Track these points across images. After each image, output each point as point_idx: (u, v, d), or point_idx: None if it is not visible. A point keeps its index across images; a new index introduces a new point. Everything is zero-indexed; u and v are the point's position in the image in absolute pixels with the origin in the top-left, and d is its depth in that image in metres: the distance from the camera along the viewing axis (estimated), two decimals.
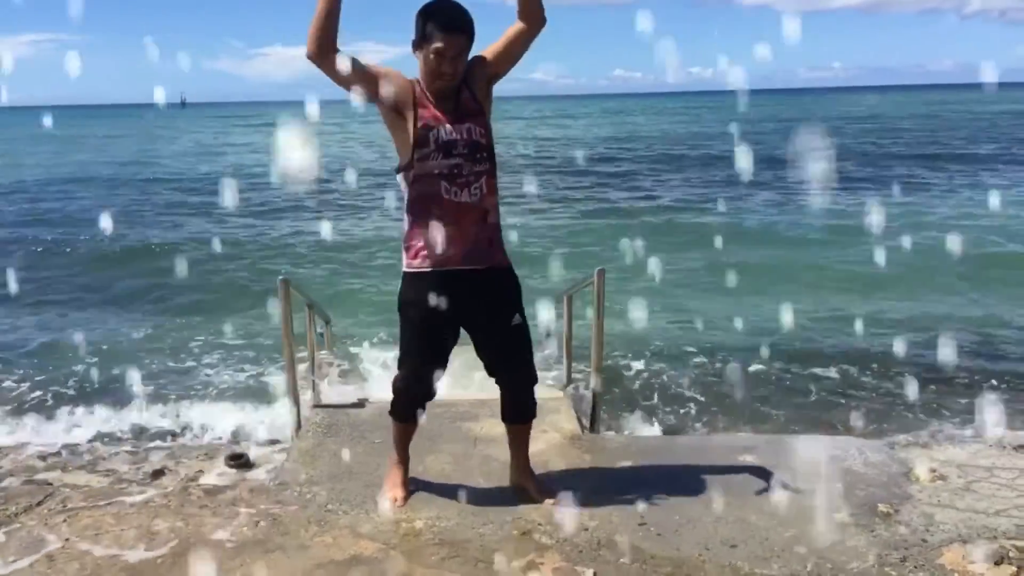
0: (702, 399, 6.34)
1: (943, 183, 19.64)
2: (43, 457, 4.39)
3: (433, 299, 2.92)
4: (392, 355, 7.14)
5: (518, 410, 3.27)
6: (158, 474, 3.98)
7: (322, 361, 5.23)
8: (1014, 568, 2.82)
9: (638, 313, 8.40)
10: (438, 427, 4.10)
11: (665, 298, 9.26)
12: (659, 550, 2.94)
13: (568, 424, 4.22)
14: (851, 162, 24.72)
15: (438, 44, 2.77)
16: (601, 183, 21.52)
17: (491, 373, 3.22)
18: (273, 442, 4.78)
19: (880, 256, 11.66)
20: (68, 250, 13.17)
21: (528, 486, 3.36)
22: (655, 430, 5.69)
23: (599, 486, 3.43)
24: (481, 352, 3.18)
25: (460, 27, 2.79)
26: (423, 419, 3.29)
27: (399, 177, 2.99)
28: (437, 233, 2.90)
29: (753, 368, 6.77)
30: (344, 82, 2.83)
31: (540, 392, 3.36)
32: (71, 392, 6.72)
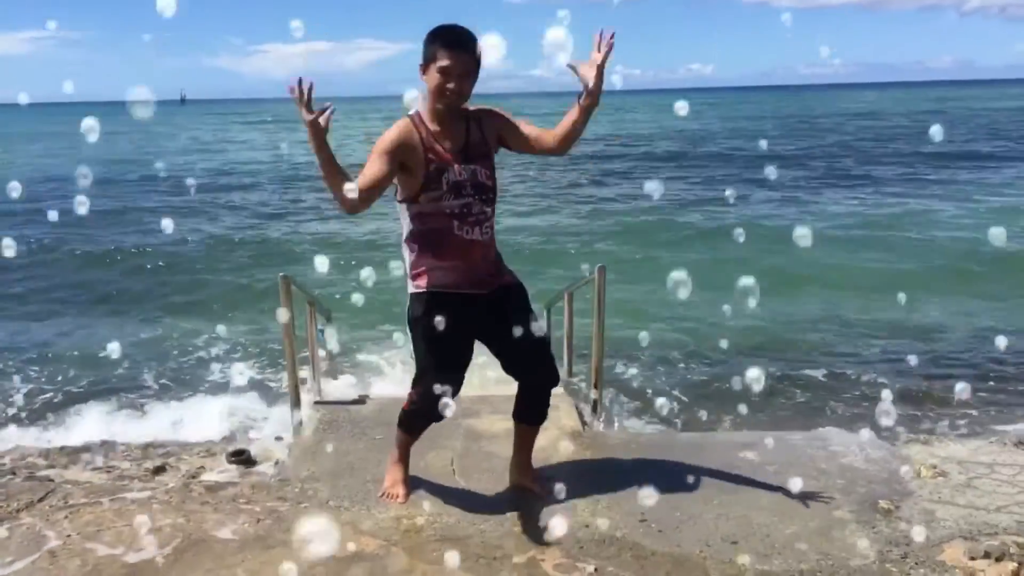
0: (703, 396, 6.33)
1: (946, 180, 19.60)
2: (44, 454, 4.39)
3: (444, 315, 2.93)
4: (392, 352, 7.16)
5: (536, 412, 3.27)
6: (159, 471, 3.97)
7: (323, 358, 5.23)
8: (1015, 564, 2.82)
9: (639, 310, 8.41)
10: (439, 423, 4.09)
11: (666, 295, 9.24)
12: (660, 546, 2.95)
13: (569, 420, 4.22)
14: (851, 159, 24.74)
15: (444, 62, 2.79)
16: (599, 180, 21.51)
17: (514, 375, 3.19)
18: (275, 439, 4.77)
19: (881, 255, 11.70)
20: (66, 248, 13.17)
21: (529, 483, 3.37)
22: (656, 426, 5.69)
23: (600, 482, 3.43)
24: (502, 358, 3.15)
25: (465, 46, 2.81)
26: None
27: (400, 207, 3.00)
28: (446, 265, 2.95)
29: (754, 364, 6.75)
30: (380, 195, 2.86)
31: None
32: (72, 389, 6.71)
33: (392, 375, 6.69)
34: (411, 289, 3.04)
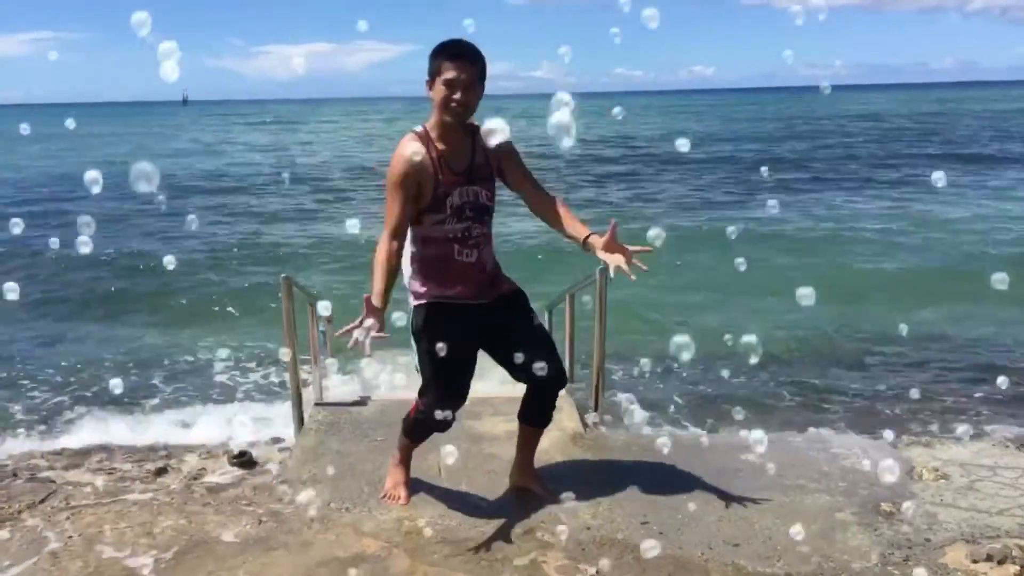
0: (705, 397, 6.33)
1: (951, 182, 19.57)
2: (46, 455, 4.39)
3: (446, 323, 2.97)
4: (392, 351, 7.15)
5: (542, 414, 3.27)
6: (161, 472, 3.98)
7: (324, 359, 5.22)
8: (1017, 567, 2.82)
9: (640, 311, 8.40)
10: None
11: (668, 296, 9.24)
12: (661, 548, 2.94)
13: (570, 422, 4.21)
14: (854, 162, 24.72)
15: (448, 75, 2.82)
16: (601, 182, 21.49)
17: (523, 380, 3.17)
18: (276, 440, 4.78)
19: (882, 256, 11.69)
20: (67, 252, 13.16)
21: (531, 484, 3.38)
22: (657, 428, 5.68)
23: (601, 484, 3.43)
24: (509, 366, 3.14)
25: (469, 58, 2.84)
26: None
27: None
28: (446, 284, 3.01)
29: (756, 367, 6.74)
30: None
31: None
32: (73, 392, 6.70)
33: (393, 376, 6.68)
34: (413, 302, 3.08)
